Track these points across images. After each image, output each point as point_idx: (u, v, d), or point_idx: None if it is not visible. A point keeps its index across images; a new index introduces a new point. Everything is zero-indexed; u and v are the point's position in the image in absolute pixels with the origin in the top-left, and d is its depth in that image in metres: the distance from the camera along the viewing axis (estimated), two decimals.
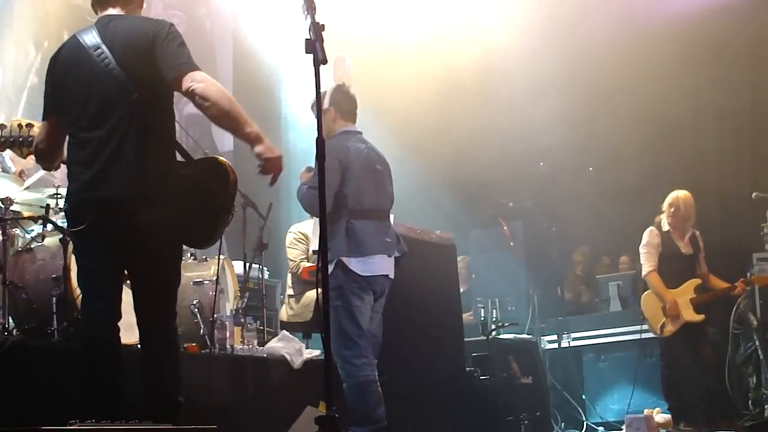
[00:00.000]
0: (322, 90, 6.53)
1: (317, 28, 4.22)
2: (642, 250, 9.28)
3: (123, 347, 4.93)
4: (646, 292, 9.18)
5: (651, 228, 9.33)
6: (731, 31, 11.91)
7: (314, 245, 9.06)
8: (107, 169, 4.68)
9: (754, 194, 9.78)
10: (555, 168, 11.91)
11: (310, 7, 4.30)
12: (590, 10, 11.78)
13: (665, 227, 9.24)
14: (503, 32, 11.64)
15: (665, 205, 9.31)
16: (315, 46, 4.18)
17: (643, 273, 9.21)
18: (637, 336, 10.29)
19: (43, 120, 4.99)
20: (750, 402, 9.82)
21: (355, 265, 6.46)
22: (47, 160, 5.11)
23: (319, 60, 4.17)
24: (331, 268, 6.41)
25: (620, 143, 12.30)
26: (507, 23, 11.60)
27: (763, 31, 11.98)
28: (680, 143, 12.28)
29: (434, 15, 11.50)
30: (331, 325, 6.26)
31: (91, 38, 4.79)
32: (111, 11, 4.95)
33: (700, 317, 9.06)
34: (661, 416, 9.06)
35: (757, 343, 9.77)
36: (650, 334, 9.87)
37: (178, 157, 5.00)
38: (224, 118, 4.73)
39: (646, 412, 9.18)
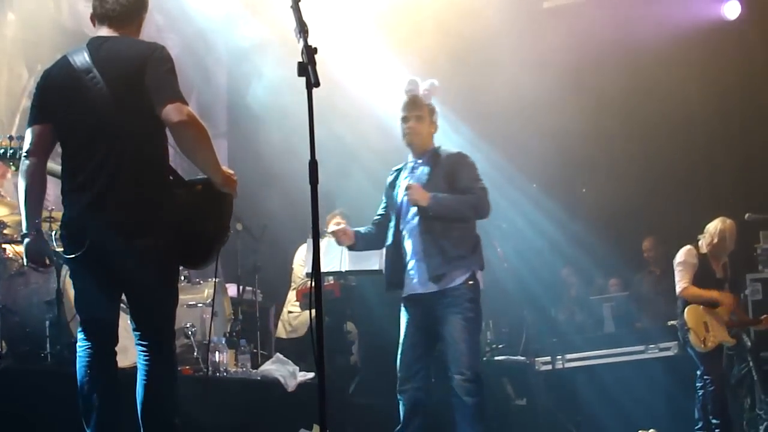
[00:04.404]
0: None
1: (310, 51, 4.22)
2: (678, 267, 9.03)
3: (119, 370, 4.92)
4: (689, 306, 9.01)
5: (689, 247, 9.09)
6: (723, 52, 11.96)
7: (308, 267, 9.07)
8: (102, 196, 4.66)
9: (747, 215, 9.79)
10: (547, 188, 11.92)
11: (303, 30, 4.30)
12: (582, 30, 11.80)
13: (703, 249, 9.12)
14: (492, 50, 11.65)
15: (711, 231, 9.07)
16: (308, 69, 4.18)
17: (679, 290, 8.95)
18: (631, 357, 10.31)
19: (30, 126, 4.90)
20: (744, 423, 9.80)
21: (481, 277, 6.70)
22: (36, 169, 4.89)
23: (312, 83, 4.17)
24: (463, 279, 6.56)
25: (612, 164, 12.32)
26: (495, 41, 11.61)
27: (754, 50, 12.03)
28: (672, 164, 12.31)
29: (422, 33, 11.47)
30: (464, 339, 6.45)
31: (82, 60, 4.76)
32: (105, 31, 4.93)
33: (734, 341, 9.09)
34: None
35: (751, 364, 9.76)
36: (647, 355, 9.90)
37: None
38: (197, 155, 4.77)
39: None
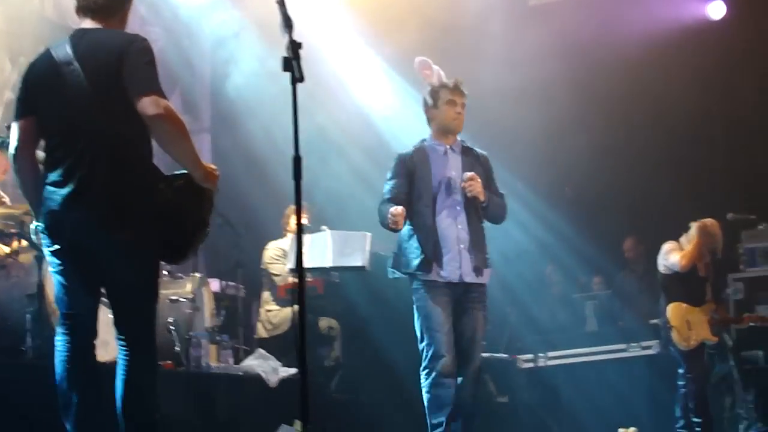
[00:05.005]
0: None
1: (295, 46, 4.22)
2: (668, 255, 9.06)
3: (100, 365, 4.90)
4: (672, 304, 9.04)
5: (671, 241, 9.18)
6: (707, 52, 11.97)
7: (291, 263, 9.05)
8: (80, 190, 4.63)
9: (729, 215, 9.82)
10: (531, 186, 11.94)
11: (288, 25, 4.29)
12: (567, 29, 11.81)
13: (685, 246, 9.15)
14: (476, 45, 11.63)
15: (696, 232, 9.08)
16: (292, 64, 4.18)
17: (679, 264, 8.91)
18: (612, 355, 10.33)
19: (16, 120, 4.87)
20: (725, 422, 9.84)
21: None
22: (25, 164, 4.89)
23: (296, 78, 4.17)
24: (488, 277, 6.61)
25: (595, 162, 12.32)
26: (478, 36, 11.60)
27: (738, 51, 12.05)
28: (655, 162, 12.33)
29: (404, 26, 11.41)
30: (483, 338, 6.55)
31: (64, 53, 4.73)
32: (88, 23, 4.89)
33: (716, 339, 9.13)
34: None
35: (732, 362, 9.80)
36: (629, 354, 9.95)
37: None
38: (175, 149, 4.73)
39: (620, 431, 9.19)
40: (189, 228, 4.95)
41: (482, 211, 6.57)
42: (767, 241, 10.72)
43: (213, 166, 4.94)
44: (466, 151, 6.74)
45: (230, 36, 11.06)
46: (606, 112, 12.24)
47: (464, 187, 6.47)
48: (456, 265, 6.47)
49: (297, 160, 4.19)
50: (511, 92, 11.25)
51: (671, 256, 9.04)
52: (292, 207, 9.60)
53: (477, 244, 6.54)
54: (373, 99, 11.33)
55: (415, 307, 6.54)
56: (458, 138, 6.78)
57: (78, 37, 4.81)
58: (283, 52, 4.21)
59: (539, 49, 11.59)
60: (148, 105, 4.57)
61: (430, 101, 6.76)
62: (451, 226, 6.52)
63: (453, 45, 11.28)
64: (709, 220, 9.14)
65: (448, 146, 6.71)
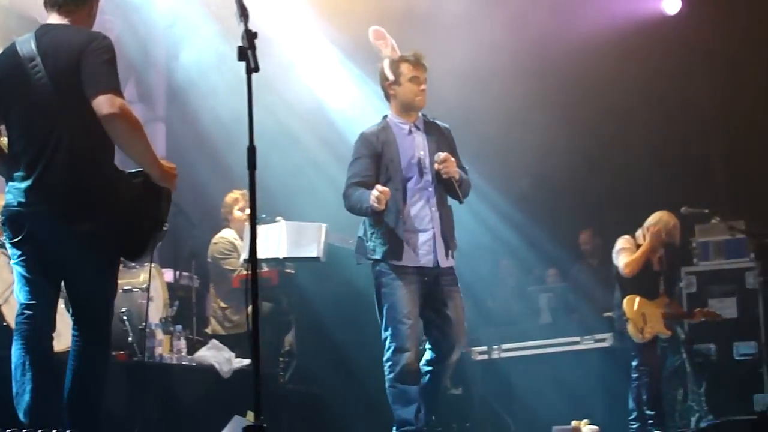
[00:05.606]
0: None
1: (250, 36, 4.20)
2: (618, 254, 9.11)
3: (55, 355, 4.89)
4: (627, 297, 9.06)
5: (626, 236, 9.22)
6: (662, 47, 12.05)
7: (245, 254, 8.99)
8: (39, 184, 4.68)
9: (683, 209, 9.87)
10: (487, 179, 11.96)
11: (243, 14, 4.28)
12: (523, 20, 11.81)
13: (640, 241, 9.19)
14: (430, 33, 11.60)
15: (650, 223, 9.18)
16: (248, 54, 4.16)
17: (622, 270, 9.01)
18: (566, 347, 10.38)
19: None
20: (676, 414, 9.92)
21: None
22: None
23: (251, 68, 4.16)
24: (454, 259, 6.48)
25: (550, 155, 12.36)
26: (433, 23, 11.58)
27: (693, 46, 12.13)
28: (610, 157, 12.41)
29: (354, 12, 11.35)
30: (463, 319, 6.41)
31: (28, 48, 4.78)
32: (54, 19, 4.92)
33: (670, 333, 9.20)
34: (588, 428, 9.10)
35: (684, 356, 9.89)
36: (583, 346, 10.01)
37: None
38: (130, 148, 4.77)
39: (573, 423, 9.21)
40: (146, 226, 4.97)
41: (458, 190, 6.35)
42: (720, 235, 10.81)
43: (171, 165, 4.96)
44: (430, 127, 6.56)
45: (182, 20, 10.93)
46: (561, 104, 12.29)
47: (439, 169, 6.29)
48: (429, 249, 6.32)
49: (251, 150, 4.17)
50: (466, 81, 11.23)
51: (620, 258, 9.09)
52: (232, 195, 9.62)
53: (449, 225, 6.43)
54: (327, 87, 11.29)
55: (379, 293, 6.39)
56: (419, 113, 6.60)
57: (42, 33, 4.85)
58: (238, 39, 4.20)
59: (495, 40, 11.58)
60: (102, 104, 4.60)
61: (391, 77, 6.50)
62: (424, 209, 6.37)
63: (407, 31, 11.28)
64: (668, 217, 9.21)
65: (411, 123, 6.52)
